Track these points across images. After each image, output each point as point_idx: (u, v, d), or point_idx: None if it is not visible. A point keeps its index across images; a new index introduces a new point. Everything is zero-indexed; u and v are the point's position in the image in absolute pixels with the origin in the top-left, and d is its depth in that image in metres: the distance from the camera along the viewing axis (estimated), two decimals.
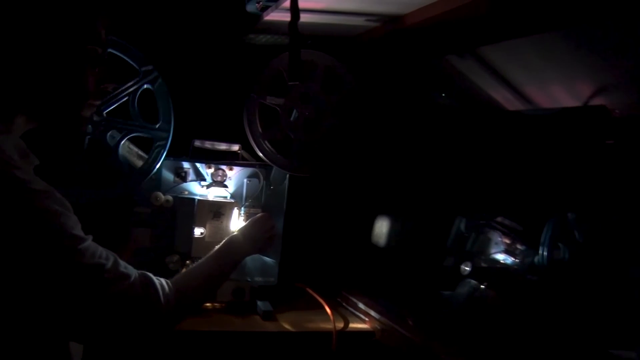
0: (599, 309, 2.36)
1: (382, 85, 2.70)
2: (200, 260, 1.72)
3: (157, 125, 2.18)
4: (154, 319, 1.33)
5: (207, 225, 2.18)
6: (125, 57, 2.12)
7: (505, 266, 2.30)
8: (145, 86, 2.15)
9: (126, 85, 2.12)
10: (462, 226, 2.30)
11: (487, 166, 2.55)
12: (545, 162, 2.37)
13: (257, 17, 2.14)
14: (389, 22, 2.13)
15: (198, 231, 2.18)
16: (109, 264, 1.25)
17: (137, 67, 2.14)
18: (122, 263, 1.31)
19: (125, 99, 2.13)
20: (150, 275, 1.39)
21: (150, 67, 2.15)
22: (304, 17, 1.90)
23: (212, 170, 2.27)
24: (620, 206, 2.28)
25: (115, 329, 1.28)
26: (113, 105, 2.12)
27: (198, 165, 2.27)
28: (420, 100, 2.74)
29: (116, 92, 2.10)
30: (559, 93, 2.17)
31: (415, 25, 2.01)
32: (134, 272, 1.33)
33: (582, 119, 2.15)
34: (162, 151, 2.16)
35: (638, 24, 1.64)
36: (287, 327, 2.17)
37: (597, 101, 2.05)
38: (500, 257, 2.31)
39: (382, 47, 2.48)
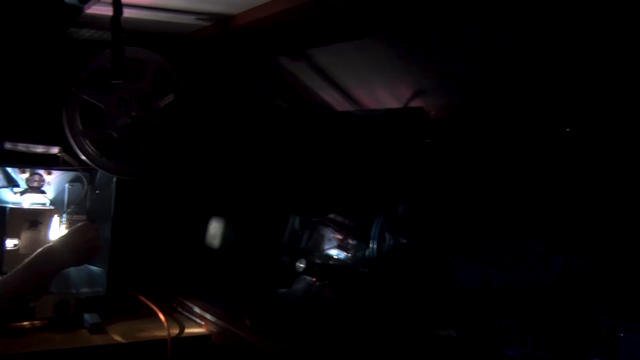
0: (425, 294, 2.56)
1: (215, 85, 2.66)
2: (8, 273, 1.57)
3: None
4: None
5: (22, 236, 1.99)
6: None
7: (338, 261, 2.40)
8: None
9: None
10: (296, 224, 2.36)
11: (319, 165, 2.64)
12: (372, 160, 2.51)
13: (79, 10, 1.99)
14: (220, 22, 2.10)
15: (11, 243, 1.97)
16: None
17: None
18: None
19: None
20: None
21: None
22: (130, 13, 1.80)
23: (27, 175, 2.06)
24: (438, 199, 2.49)
25: None
26: None
27: (9, 169, 2.04)
28: (252, 101, 2.75)
29: None
30: (383, 95, 2.31)
31: (246, 26, 2.00)
32: None
33: (403, 119, 2.32)
34: None
35: (451, 32, 1.79)
36: (118, 338, 2.05)
37: (415, 103, 2.21)
38: (334, 252, 2.41)
39: (214, 47, 2.44)
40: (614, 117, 2.25)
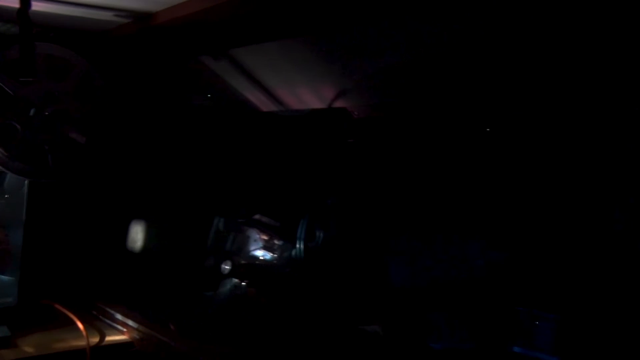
0: (352, 291, 2.59)
1: (134, 84, 2.58)
2: None
3: None
4: None
5: None
6: None
7: (264, 262, 2.39)
8: None
9: None
10: (221, 226, 2.33)
11: (244, 166, 2.62)
12: (298, 160, 2.52)
13: None
14: (140, 19, 2.04)
15: None
16: None
17: None
18: None
19: None
20: None
21: None
22: (42, 7, 1.72)
23: None
24: (362, 197, 2.53)
25: None
26: None
27: None
28: (174, 101, 2.69)
29: None
30: (306, 96, 2.32)
31: (167, 24, 1.96)
32: None
33: (327, 120, 2.35)
34: None
35: (370, 33, 1.83)
36: (30, 351, 1.93)
37: (339, 104, 2.25)
38: (259, 253, 2.40)
39: (134, 45, 2.37)
40: (530, 118, 2.38)
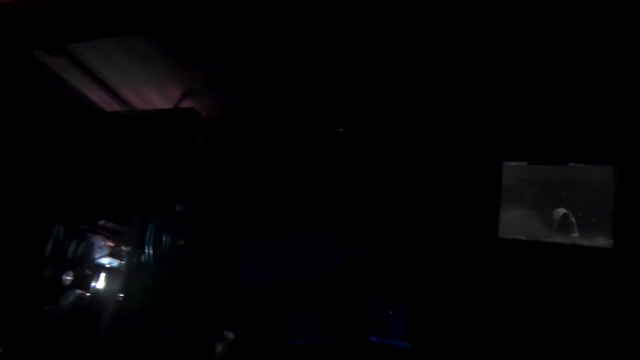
0: (210, 295, 2.54)
1: None
2: None
3: None
4: None
5: None
6: None
7: (111, 270, 2.27)
8: None
9: None
10: (61, 233, 2.16)
11: (87, 168, 2.46)
12: (145, 161, 2.42)
13: None
14: None
15: None
16: None
17: None
18: None
19: None
20: None
21: None
22: None
23: None
24: (213, 199, 2.50)
25: None
26: None
27: None
28: (8, 99, 2.45)
29: None
30: (152, 95, 2.25)
31: None
32: None
33: (174, 120, 2.28)
34: None
35: (219, 32, 1.81)
36: None
37: (186, 104, 2.20)
38: (106, 261, 2.27)
39: None
40: (381, 119, 2.51)
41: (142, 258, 2.28)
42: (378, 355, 2.68)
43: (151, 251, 2.29)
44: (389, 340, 2.71)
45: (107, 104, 2.34)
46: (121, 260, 2.25)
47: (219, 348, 2.32)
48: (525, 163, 2.76)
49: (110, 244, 2.24)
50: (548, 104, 2.13)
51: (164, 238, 2.35)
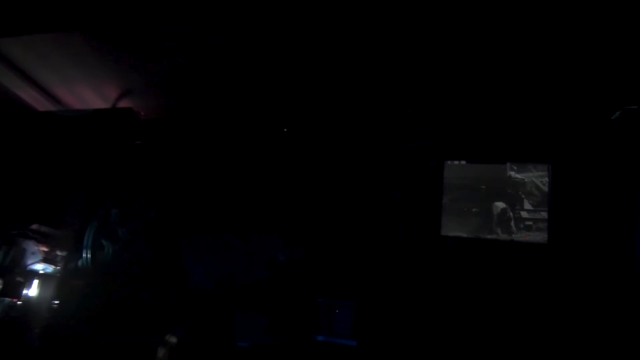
0: (150, 300, 2.48)
1: None
2: None
3: None
4: None
5: None
6: None
7: (46, 276, 2.18)
8: None
9: None
10: None
11: (16, 170, 2.36)
12: (80, 163, 2.35)
13: None
14: None
15: None
16: None
17: None
18: None
19: None
20: None
21: None
22: None
23: None
24: (157, 202, 2.45)
25: None
26: None
27: None
28: None
29: None
30: (88, 94, 2.17)
31: None
32: None
33: (112, 120, 2.21)
34: None
35: (157, 31, 1.76)
36: None
37: (124, 104, 2.13)
38: (40, 266, 2.18)
39: None
40: (324, 119, 2.51)
41: (80, 263, 2.20)
42: (325, 354, 2.68)
43: (89, 255, 2.21)
44: (335, 339, 2.72)
45: (40, 104, 2.24)
46: (56, 265, 2.17)
47: (161, 352, 2.26)
48: (464, 162, 2.82)
49: (44, 249, 2.15)
50: (486, 104, 2.19)
51: (102, 241, 2.28)
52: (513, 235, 2.77)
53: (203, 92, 2.15)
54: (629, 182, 2.52)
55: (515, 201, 2.83)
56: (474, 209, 2.87)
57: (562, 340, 2.41)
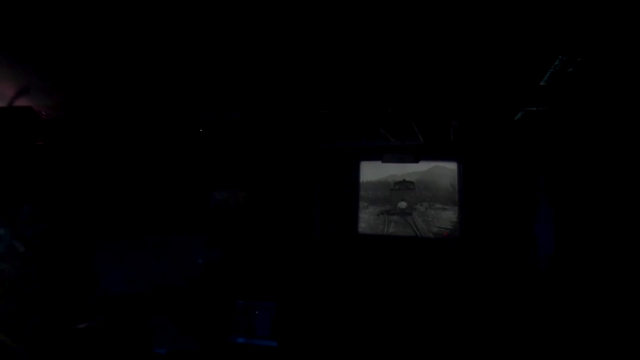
0: (61, 304, 2.36)
1: None
2: None
3: None
4: None
5: None
6: None
7: None
8: None
9: None
10: None
11: None
12: None
13: None
14: None
15: None
16: None
17: None
18: None
19: None
20: None
21: None
22: None
23: None
24: (63, 204, 2.33)
25: None
26: None
27: None
28: None
29: None
30: None
31: None
32: None
33: (9, 120, 2.08)
34: None
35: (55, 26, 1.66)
36: None
37: (22, 102, 2.01)
38: None
39: None
40: (240, 119, 2.47)
41: None
42: (245, 356, 2.66)
43: None
44: (255, 341, 2.70)
45: None
46: None
47: None
48: (379, 162, 2.88)
49: None
50: (399, 105, 2.23)
51: (5, 244, 2.15)
52: (420, 231, 2.88)
53: (109, 92, 2.06)
54: (528, 179, 2.66)
55: (433, 198, 2.93)
56: (387, 207, 2.95)
57: (471, 328, 2.51)
